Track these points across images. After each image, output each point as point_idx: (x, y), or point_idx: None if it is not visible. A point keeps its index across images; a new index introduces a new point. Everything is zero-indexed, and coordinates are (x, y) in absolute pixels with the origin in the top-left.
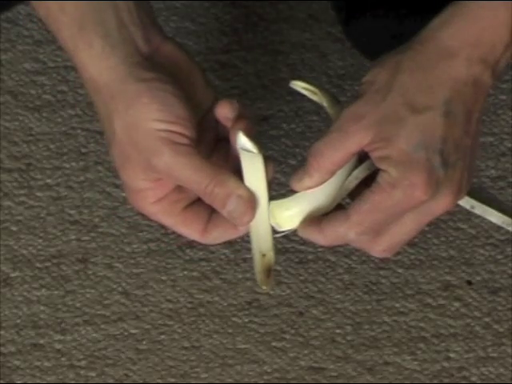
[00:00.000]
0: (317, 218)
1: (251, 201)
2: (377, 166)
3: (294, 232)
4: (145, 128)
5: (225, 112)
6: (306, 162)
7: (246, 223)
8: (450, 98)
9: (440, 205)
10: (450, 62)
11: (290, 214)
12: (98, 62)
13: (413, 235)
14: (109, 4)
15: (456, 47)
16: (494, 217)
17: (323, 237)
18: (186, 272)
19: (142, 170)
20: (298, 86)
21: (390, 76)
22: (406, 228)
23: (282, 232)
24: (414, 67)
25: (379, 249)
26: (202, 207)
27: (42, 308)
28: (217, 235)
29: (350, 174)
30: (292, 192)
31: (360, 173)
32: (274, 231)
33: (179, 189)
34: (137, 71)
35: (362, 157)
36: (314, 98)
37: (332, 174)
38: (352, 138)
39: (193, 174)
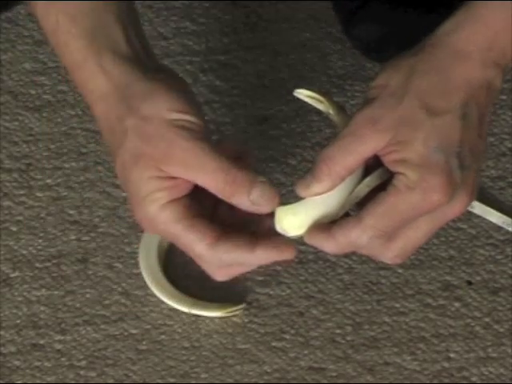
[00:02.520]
0: (325, 225)
1: (274, 187)
2: (392, 169)
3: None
4: (159, 119)
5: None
6: (313, 167)
7: (269, 210)
8: (466, 101)
9: (455, 208)
10: (465, 65)
11: (296, 220)
12: (109, 69)
13: (426, 240)
14: (118, 22)
15: (470, 51)
16: (494, 217)
17: (334, 243)
18: (186, 272)
19: (157, 166)
20: (303, 94)
21: (404, 79)
22: (419, 233)
23: (288, 238)
24: (429, 70)
25: (391, 255)
26: (212, 222)
27: (41, 308)
28: (227, 248)
29: (359, 180)
30: (293, 195)
31: (372, 181)
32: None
33: (192, 197)
34: (150, 74)
35: (369, 167)
36: (320, 106)
37: (342, 179)
38: (367, 142)
39: (213, 160)
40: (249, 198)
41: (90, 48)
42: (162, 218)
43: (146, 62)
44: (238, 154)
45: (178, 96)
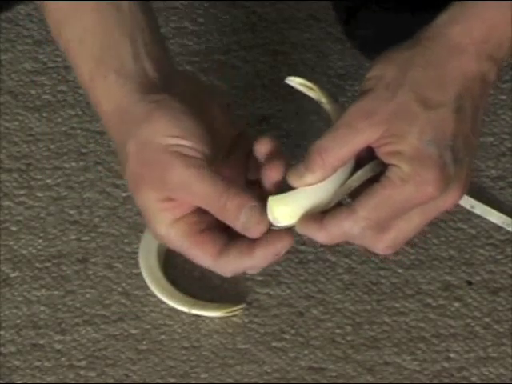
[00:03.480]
0: (317, 215)
1: (264, 211)
2: (385, 161)
3: (294, 232)
4: (156, 144)
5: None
6: (306, 158)
7: (259, 234)
8: (460, 94)
9: (447, 201)
10: (461, 57)
11: (288, 209)
12: (112, 91)
13: (418, 231)
14: (127, 36)
15: (465, 44)
16: (494, 217)
17: (325, 233)
18: (186, 272)
19: (156, 189)
20: (295, 81)
21: (400, 72)
22: (412, 224)
23: (280, 227)
24: (424, 63)
25: (383, 246)
26: (219, 233)
27: (41, 308)
28: (229, 259)
29: (351, 170)
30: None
31: (365, 173)
32: (272, 225)
33: (198, 212)
34: (148, 96)
35: (362, 159)
36: (312, 94)
37: (335, 170)
38: (361, 134)
39: (205, 186)
40: (238, 223)
41: (96, 71)
42: (169, 236)
43: (153, 78)
44: (270, 156)
45: (174, 120)
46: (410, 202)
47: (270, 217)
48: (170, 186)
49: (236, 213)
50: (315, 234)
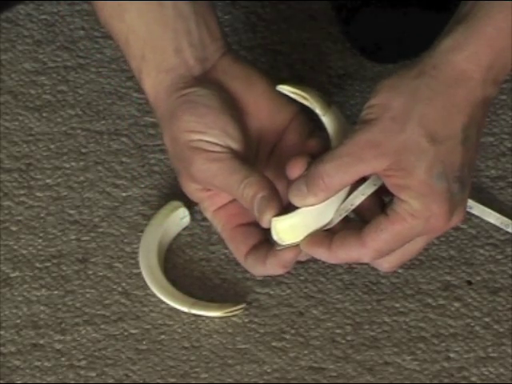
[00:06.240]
0: (323, 236)
1: (274, 199)
2: (393, 192)
3: None
4: (180, 139)
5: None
6: (309, 180)
7: (266, 222)
8: (467, 124)
9: (452, 223)
10: (467, 86)
11: (292, 229)
12: (154, 87)
13: (420, 251)
14: (170, 29)
15: (472, 71)
16: (492, 217)
17: (334, 257)
18: (186, 272)
19: (190, 180)
20: (286, 90)
21: (407, 104)
22: (416, 246)
23: (284, 246)
24: (432, 96)
25: (388, 266)
26: (254, 230)
27: (41, 308)
28: (251, 263)
29: (352, 186)
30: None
31: (366, 188)
32: (276, 245)
33: (238, 202)
34: (179, 91)
35: None
36: (305, 102)
37: (337, 193)
38: (366, 164)
39: (225, 178)
40: (254, 211)
41: (141, 68)
42: (214, 224)
43: (192, 67)
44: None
45: (195, 116)
46: (419, 233)
47: (275, 237)
48: (196, 180)
49: (251, 201)
50: (323, 257)
